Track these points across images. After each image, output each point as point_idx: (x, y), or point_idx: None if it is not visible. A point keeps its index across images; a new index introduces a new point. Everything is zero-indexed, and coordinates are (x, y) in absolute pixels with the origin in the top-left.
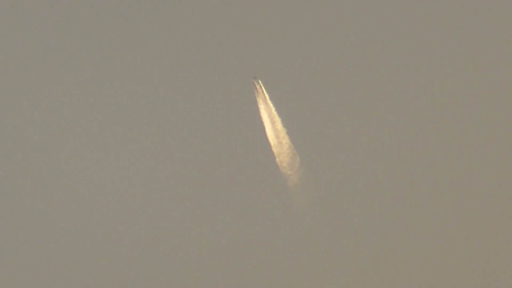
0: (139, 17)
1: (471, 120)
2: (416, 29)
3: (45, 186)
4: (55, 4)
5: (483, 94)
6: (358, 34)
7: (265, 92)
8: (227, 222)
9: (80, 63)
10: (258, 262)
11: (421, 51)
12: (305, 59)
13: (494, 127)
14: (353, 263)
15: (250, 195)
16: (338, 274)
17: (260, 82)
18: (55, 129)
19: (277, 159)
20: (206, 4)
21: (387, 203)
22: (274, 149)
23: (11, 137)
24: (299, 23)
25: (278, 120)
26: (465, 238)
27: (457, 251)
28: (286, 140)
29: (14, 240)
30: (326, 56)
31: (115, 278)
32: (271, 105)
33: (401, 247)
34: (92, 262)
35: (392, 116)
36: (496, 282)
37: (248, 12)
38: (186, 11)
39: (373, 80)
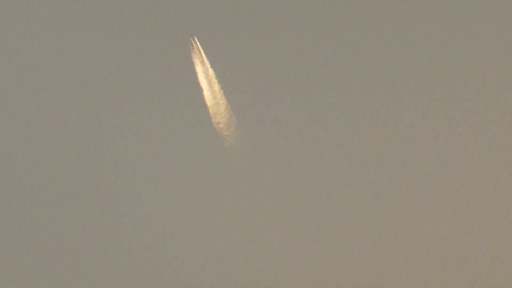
0: None
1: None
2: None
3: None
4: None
5: (482, 93)
6: None
7: (202, 51)
8: (161, 183)
9: None
10: (193, 222)
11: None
12: (245, 17)
13: (494, 127)
14: (290, 224)
15: (186, 155)
16: (275, 236)
17: (196, 40)
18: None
19: (213, 120)
20: None
21: (320, 163)
22: (210, 110)
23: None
24: None
25: (215, 80)
26: (447, 232)
27: (431, 242)
28: (223, 101)
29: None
30: (267, 14)
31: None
32: (208, 65)
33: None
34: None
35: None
36: (496, 280)
37: None
38: None
39: (311, 38)
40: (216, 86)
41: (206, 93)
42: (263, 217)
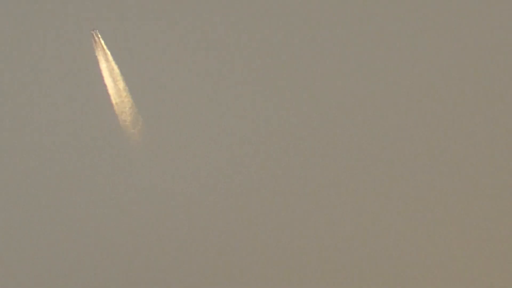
0: None
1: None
2: None
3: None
4: None
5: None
6: None
7: (105, 46)
8: (66, 181)
9: None
10: (100, 223)
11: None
12: (151, 8)
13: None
14: (194, 223)
15: (92, 153)
16: (181, 232)
17: (98, 34)
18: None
19: (119, 118)
20: None
21: (225, 161)
22: (116, 108)
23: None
24: None
25: (120, 78)
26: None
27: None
28: (128, 99)
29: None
30: (172, 9)
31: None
32: (112, 62)
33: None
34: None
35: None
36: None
37: None
38: None
39: (218, 30)
40: (121, 84)
41: (111, 91)
42: (167, 217)
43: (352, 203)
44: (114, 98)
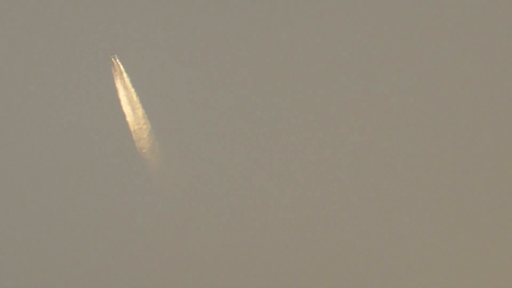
0: None
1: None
2: None
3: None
4: None
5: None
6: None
7: (123, 71)
8: (83, 210)
9: None
10: (125, 253)
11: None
12: (167, 36)
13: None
14: (220, 246)
15: (110, 180)
16: (203, 259)
17: (117, 59)
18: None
19: (136, 144)
20: None
21: (246, 188)
22: (134, 135)
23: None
24: None
25: (139, 105)
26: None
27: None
28: (147, 126)
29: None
30: (192, 36)
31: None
32: (131, 88)
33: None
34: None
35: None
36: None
37: None
38: None
39: (239, 58)
40: (140, 112)
41: (130, 118)
42: (186, 244)
43: (352, 204)
44: (132, 125)
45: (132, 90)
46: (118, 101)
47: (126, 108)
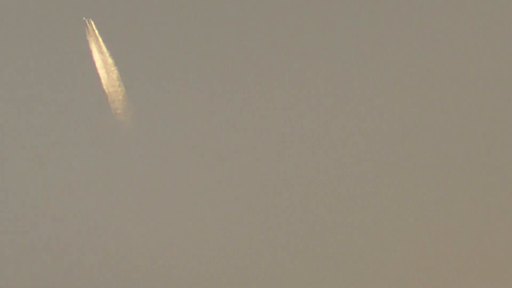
0: None
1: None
2: None
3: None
4: None
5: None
6: None
7: (98, 35)
8: (59, 169)
9: None
10: (93, 211)
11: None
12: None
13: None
14: (183, 213)
15: (85, 140)
16: (181, 221)
17: (92, 22)
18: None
19: (111, 105)
20: None
21: (217, 153)
22: (108, 96)
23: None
24: None
25: (113, 68)
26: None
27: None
28: (121, 88)
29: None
30: (168, 2)
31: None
32: (106, 52)
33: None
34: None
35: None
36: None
37: None
38: None
39: (212, 28)
40: (115, 74)
41: (104, 81)
42: (156, 202)
43: (352, 204)
44: (107, 87)
45: (107, 53)
46: (93, 64)
47: (101, 71)
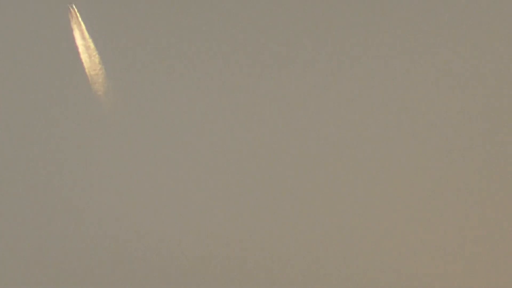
0: None
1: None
2: None
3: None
4: None
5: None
6: None
7: (80, 20)
8: (43, 151)
9: None
10: (79, 191)
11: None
12: None
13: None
14: (170, 196)
15: (67, 122)
16: (153, 189)
17: (75, 7)
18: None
19: (92, 87)
20: None
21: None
22: (90, 79)
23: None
24: None
25: (95, 53)
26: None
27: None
28: (102, 71)
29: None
30: None
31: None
32: (89, 38)
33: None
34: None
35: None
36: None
37: None
38: None
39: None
40: (97, 58)
41: (86, 65)
42: (139, 184)
43: (352, 204)
44: (88, 71)
45: (89, 39)
46: (75, 48)
47: (84, 56)
